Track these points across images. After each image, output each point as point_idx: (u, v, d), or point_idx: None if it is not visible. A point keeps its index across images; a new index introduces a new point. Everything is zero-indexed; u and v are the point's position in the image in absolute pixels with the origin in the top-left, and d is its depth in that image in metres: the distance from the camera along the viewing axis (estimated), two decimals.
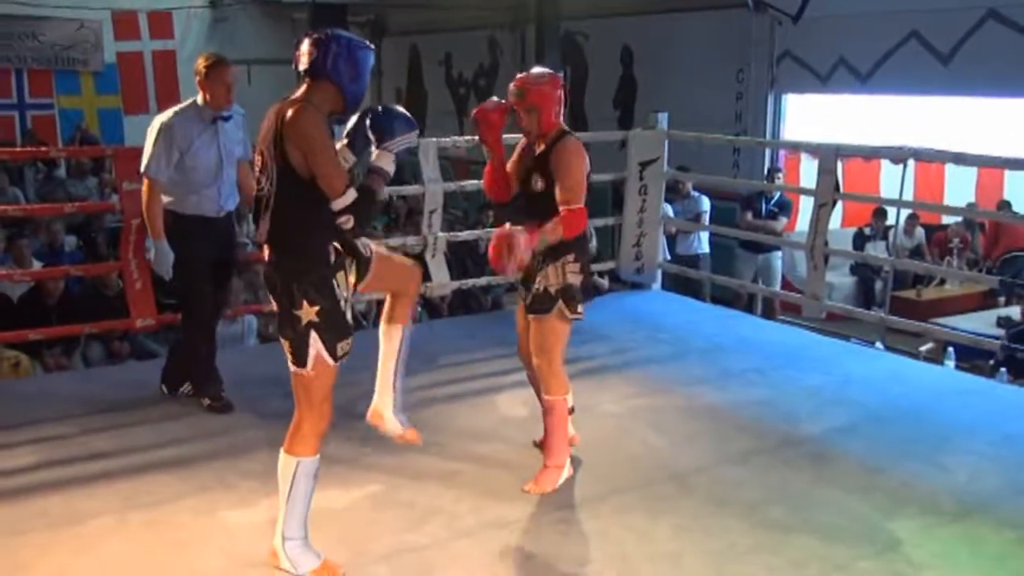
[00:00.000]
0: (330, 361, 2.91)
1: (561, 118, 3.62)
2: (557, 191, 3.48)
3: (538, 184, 3.57)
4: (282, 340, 2.95)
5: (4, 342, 5.35)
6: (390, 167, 2.91)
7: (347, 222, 2.82)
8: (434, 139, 5.82)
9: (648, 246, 6.73)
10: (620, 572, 3.09)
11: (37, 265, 7.04)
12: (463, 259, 8.02)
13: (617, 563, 3.14)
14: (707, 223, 8.24)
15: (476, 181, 6.81)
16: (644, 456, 4.04)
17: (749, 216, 8.17)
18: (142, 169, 4.27)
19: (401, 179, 12.40)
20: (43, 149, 9.77)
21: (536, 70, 3.68)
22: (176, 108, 4.31)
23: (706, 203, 8.32)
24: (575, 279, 3.59)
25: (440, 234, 5.86)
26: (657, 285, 6.99)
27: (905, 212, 8.73)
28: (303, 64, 2.84)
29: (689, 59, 10.40)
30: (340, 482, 3.69)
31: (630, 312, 6.40)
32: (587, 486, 3.71)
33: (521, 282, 3.74)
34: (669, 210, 7.41)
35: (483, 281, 6.67)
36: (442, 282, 5.93)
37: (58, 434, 4.18)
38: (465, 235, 6.84)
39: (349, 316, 2.98)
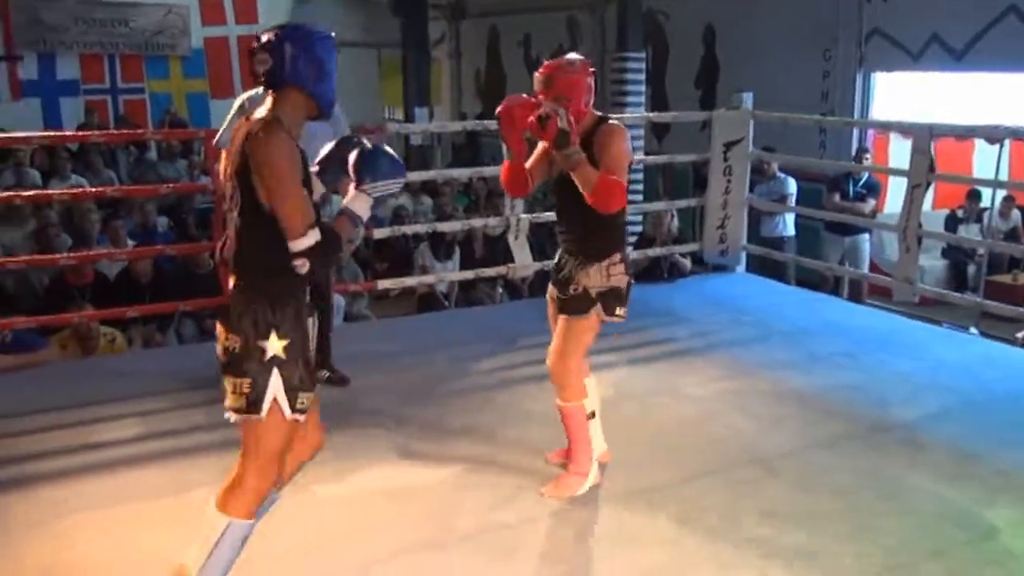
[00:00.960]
0: (287, 411, 2.49)
1: (591, 106, 3.30)
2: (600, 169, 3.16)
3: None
4: (228, 381, 2.49)
5: (101, 319, 5.54)
6: (364, 213, 2.54)
7: (302, 266, 2.43)
8: None
9: (732, 228, 6.64)
10: (707, 555, 3.07)
11: (131, 245, 7.28)
12: (543, 241, 8.03)
13: (703, 546, 3.13)
14: (793, 205, 8.08)
15: None
16: (729, 439, 4.01)
17: (836, 198, 7.99)
18: (214, 141, 4.37)
19: (480, 161, 12.48)
20: (138, 132, 10.05)
21: (568, 56, 3.37)
22: (259, 89, 4.34)
23: (792, 185, 8.15)
24: (620, 281, 3.33)
25: (522, 216, 5.87)
26: (741, 268, 6.90)
27: (1001, 193, 8.44)
28: (260, 75, 2.49)
29: (773, 38, 10.19)
30: (426, 459, 3.76)
31: (713, 294, 6.34)
32: (672, 468, 3.70)
33: (556, 281, 3.46)
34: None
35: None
36: (524, 263, 5.95)
37: (156, 408, 4.33)
38: (548, 216, 6.83)
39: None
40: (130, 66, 13.88)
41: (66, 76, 13.53)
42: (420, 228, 6.89)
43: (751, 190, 6.96)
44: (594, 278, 3.30)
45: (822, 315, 5.93)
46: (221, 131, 4.35)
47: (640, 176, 8.01)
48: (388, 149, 2.61)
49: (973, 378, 4.73)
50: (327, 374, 4.56)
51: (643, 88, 8.39)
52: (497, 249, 7.98)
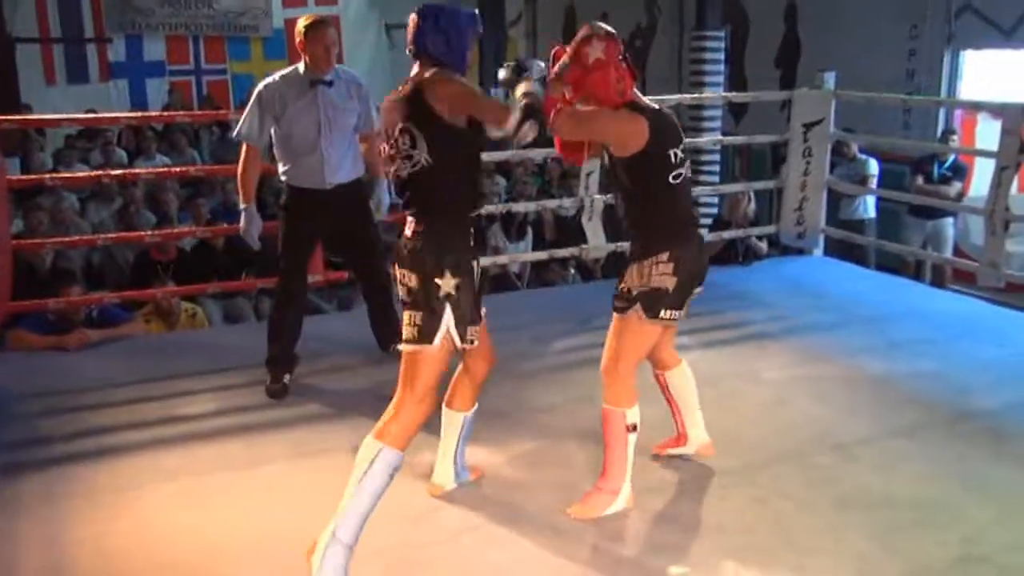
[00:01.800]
0: (458, 342, 2.84)
1: (619, 85, 3.06)
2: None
3: (605, 157, 3.22)
4: (407, 314, 2.85)
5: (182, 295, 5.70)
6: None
7: (530, 129, 2.76)
8: None
9: (811, 210, 6.51)
10: (782, 542, 3.04)
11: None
12: (617, 222, 7.97)
13: (778, 532, 3.09)
14: (874, 187, 7.88)
15: None
16: (805, 425, 3.94)
17: (920, 180, 7.77)
18: (233, 133, 4.28)
19: (552, 142, 12.44)
20: (221, 112, 10.27)
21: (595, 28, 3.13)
22: (280, 73, 4.22)
23: (874, 166, 7.94)
24: (664, 282, 3.07)
25: (597, 196, 5.84)
26: (819, 251, 6.76)
27: None
28: (409, 46, 2.93)
29: (858, 15, 9.89)
30: (501, 438, 3.78)
31: (790, 278, 6.23)
32: (746, 453, 3.66)
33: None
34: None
35: None
36: (598, 244, 5.92)
37: (236, 383, 4.44)
38: None
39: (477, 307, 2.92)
40: (213, 48, 14.17)
41: (152, 58, 13.87)
42: (493, 208, 6.90)
43: (831, 171, 6.80)
44: (635, 277, 3.13)
45: (903, 300, 5.78)
46: (239, 123, 4.19)
47: (717, 157, 7.89)
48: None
49: None
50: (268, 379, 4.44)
51: (722, 68, 8.23)
52: (570, 230, 7.97)
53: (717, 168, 7.95)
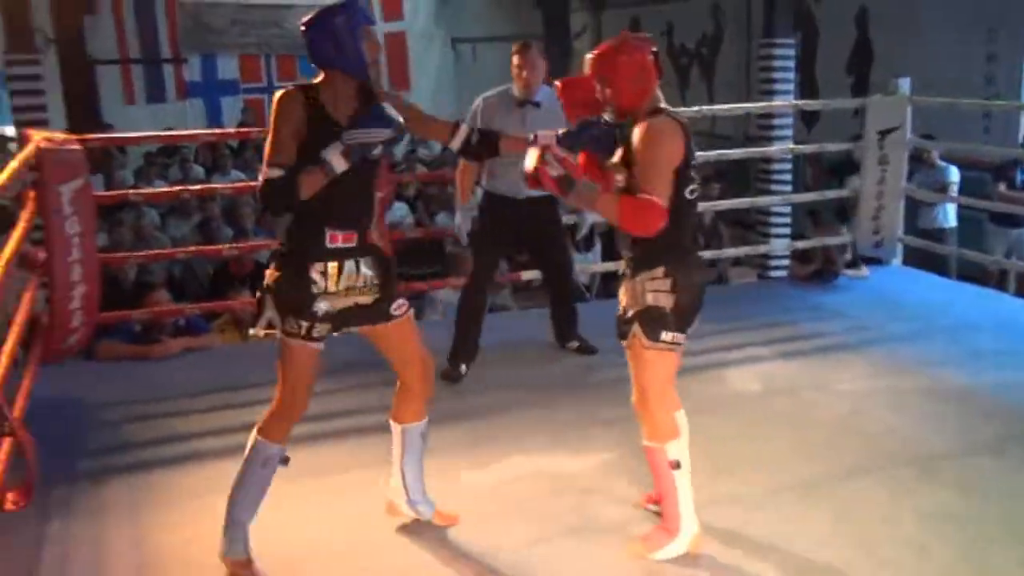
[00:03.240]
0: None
1: (646, 91, 2.83)
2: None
3: (619, 178, 2.89)
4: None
5: None
6: (336, 161, 2.66)
7: (261, 200, 2.75)
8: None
9: (888, 219, 6.37)
10: (863, 555, 2.97)
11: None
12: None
13: (858, 546, 3.02)
14: (955, 195, 7.68)
15: (706, 152, 6.69)
16: (885, 437, 3.85)
17: (1003, 187, 7.55)
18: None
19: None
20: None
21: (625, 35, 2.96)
22: (498, 89, 4.54)
23: (955, 173, 7.74)
24: (659, 300, 2.82)
25: None
26: (897, 260, 6.61)
27: None
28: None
29: (933, 19, 9.69)
30: (576, 447, 3.77)
31: (868, 288, 6.11)
32: (825, 465, 3.59)
33: None
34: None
35: (708, 254, 6.55)
36: None
37: (328, 389, 4.48)
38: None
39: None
40: (285, 66, 14.43)
41: (226, 76, 14.20)
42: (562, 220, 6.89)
43: (908, 179, 6.65)
44: (629, 296, 2.90)
45: (986, 310, 5.62)
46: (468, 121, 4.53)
47: (788, 166, 7.78)
48: (387, 108, 2.73)
49: None
50: (576, 343, 4.96)
51: (792, 75, 8.11)
52: None
53: (789, 177, 7.84)
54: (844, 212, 7.46)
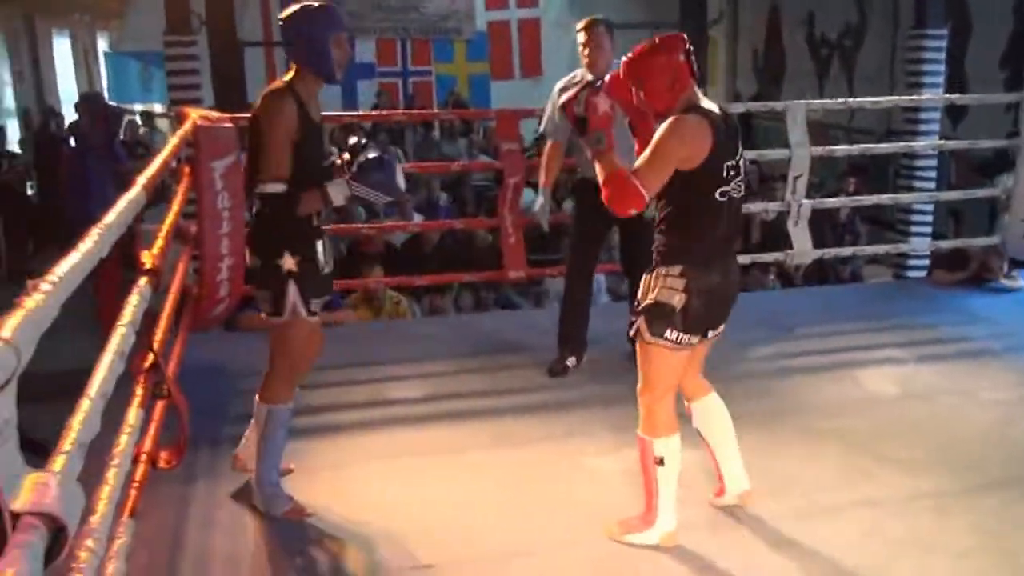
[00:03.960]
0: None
1: (680, 91, 2.79)
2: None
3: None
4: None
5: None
6: (338, 199, 2.99)
7: (255, 206, 3.04)
8: (804, 101, 5.62)
9: None
10: (1009, 569, 2.84)
11: (418, 218, 7.75)
12: (821, 227, 7.70)
13: (999, 558, 2.90)
14: None
15: (843, 147, 6.50)
16: None
17: None
18: (541, 128, 4.67)
19: (754, 143, 12.12)
20: (466, 111, 10.54)
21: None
22: (573, 73, 4.45)
23: None
24: (671, 298, 2.78)
25: (805, 201, 5.64)
26: None
27: None
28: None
29: None
30: (699, 442, 3.73)
31: (1018, 292, 5.81)
32: (966, 475, 3.45)
33: None
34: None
35: (848, 251, 6.37)
36: (804, 250, 5.73)
37: (439, 371, 4.60)
38: (832, 202, 6.56)
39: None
40: (420, 50, 14.70)
41: (363, 60, 14.52)
42: None
43: None
44: (643, 288, 2.88)
45: None
46: (544, 121, 4.53)
47: (933, 163, 7.45)
48: (397, 169, 3.03)
49: None
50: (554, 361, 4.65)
51: (942, 68, 7.76)
52: (768, 234, 7.76)
53: (933, 174, 7.51)
54: (992, 213, 7.11)
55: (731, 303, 2.94)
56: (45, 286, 1.37)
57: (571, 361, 4.53)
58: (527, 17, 14.66)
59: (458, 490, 3.41)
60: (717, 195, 2.76)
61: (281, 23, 3.05)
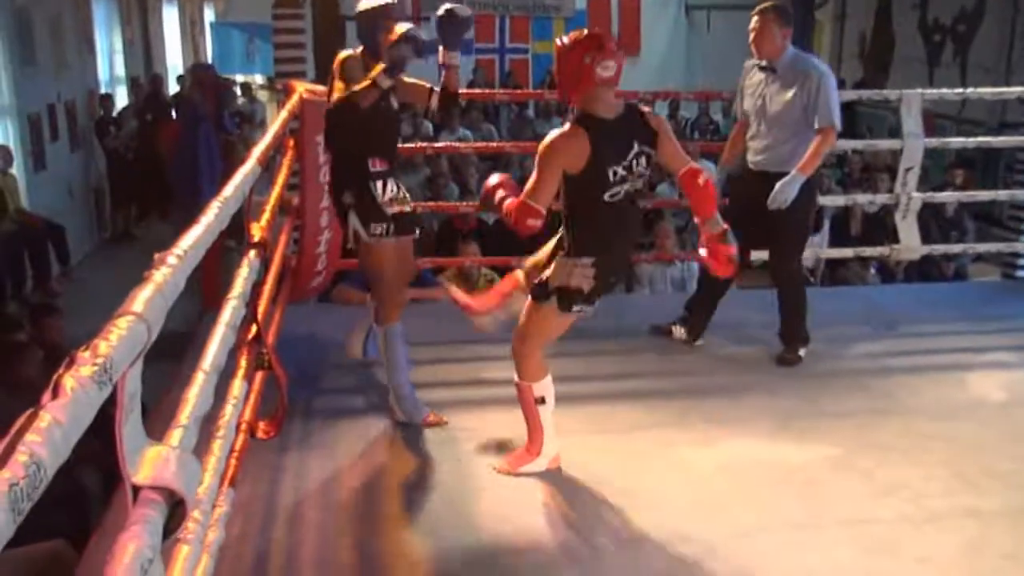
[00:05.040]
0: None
1: (583, 90, 3.06)
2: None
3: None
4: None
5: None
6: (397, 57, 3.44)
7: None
8: (919, 90, 5.40)
9: None
10: None
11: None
12: (926, 221, 7.43)
13: None
14: None
15: (958, 139, 6.24)
16: None
17: None
18: (733, 110, 4.80)
19: (857, 131, 11.75)
20: (549, 91, 10.48)
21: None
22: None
23: None
24: (584, 284, 3.14)
25: (915, 194, 5.42)
26: None
27: None
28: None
29: None
30: (801, 438, 3.65)
31: None
32: None
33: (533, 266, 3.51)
34: None
35: (957, 248, 6.13)
36: (911, 246, 5.51)
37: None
38: (943, 196, 6.31)
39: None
40: (517, 28, 14.65)
41: None
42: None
43: None
44: (556, 272, 3.18)
45: None
46: (737, 101, 4.54)
47: None
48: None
49: None
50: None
51: None
52: (869, 227, 7.52)
53: None
54: None
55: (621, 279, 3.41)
56: (172, 260, 1.39)
57: (802, 351, 4.44)
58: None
59: (551, 477, 3.39)
60: (606, 197, 3.06)
61: (356, 12, 3.65)
